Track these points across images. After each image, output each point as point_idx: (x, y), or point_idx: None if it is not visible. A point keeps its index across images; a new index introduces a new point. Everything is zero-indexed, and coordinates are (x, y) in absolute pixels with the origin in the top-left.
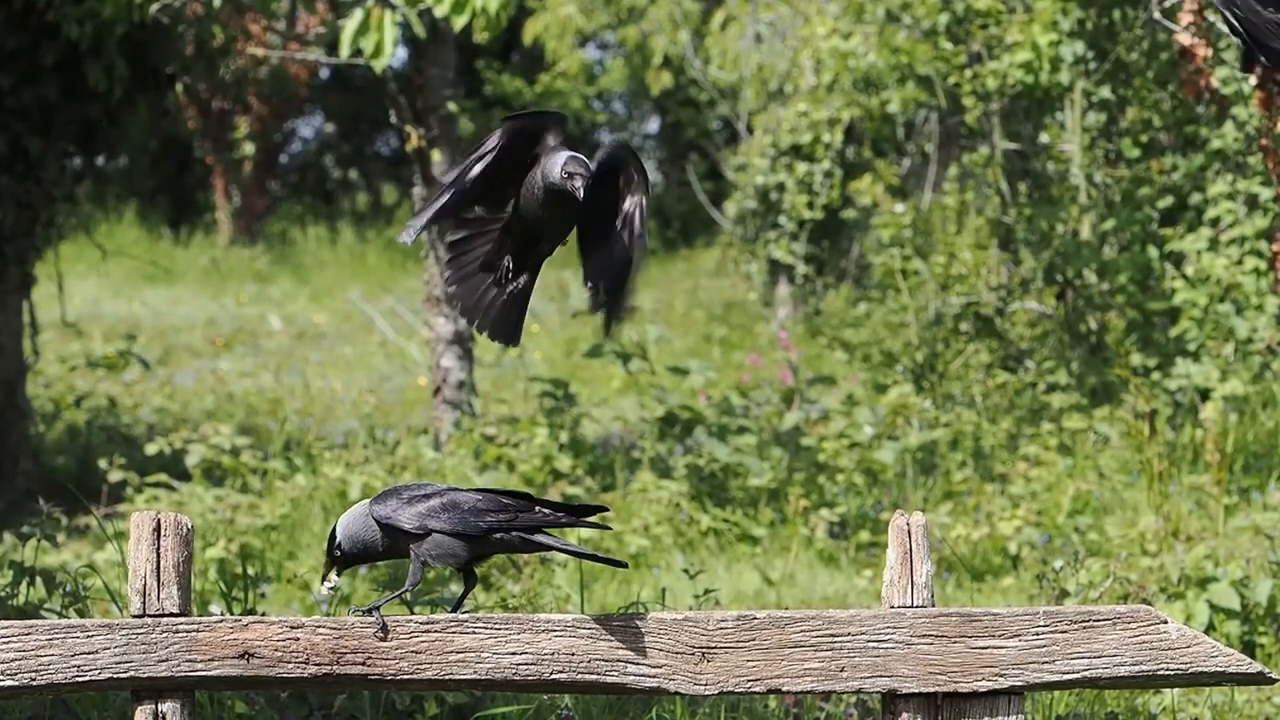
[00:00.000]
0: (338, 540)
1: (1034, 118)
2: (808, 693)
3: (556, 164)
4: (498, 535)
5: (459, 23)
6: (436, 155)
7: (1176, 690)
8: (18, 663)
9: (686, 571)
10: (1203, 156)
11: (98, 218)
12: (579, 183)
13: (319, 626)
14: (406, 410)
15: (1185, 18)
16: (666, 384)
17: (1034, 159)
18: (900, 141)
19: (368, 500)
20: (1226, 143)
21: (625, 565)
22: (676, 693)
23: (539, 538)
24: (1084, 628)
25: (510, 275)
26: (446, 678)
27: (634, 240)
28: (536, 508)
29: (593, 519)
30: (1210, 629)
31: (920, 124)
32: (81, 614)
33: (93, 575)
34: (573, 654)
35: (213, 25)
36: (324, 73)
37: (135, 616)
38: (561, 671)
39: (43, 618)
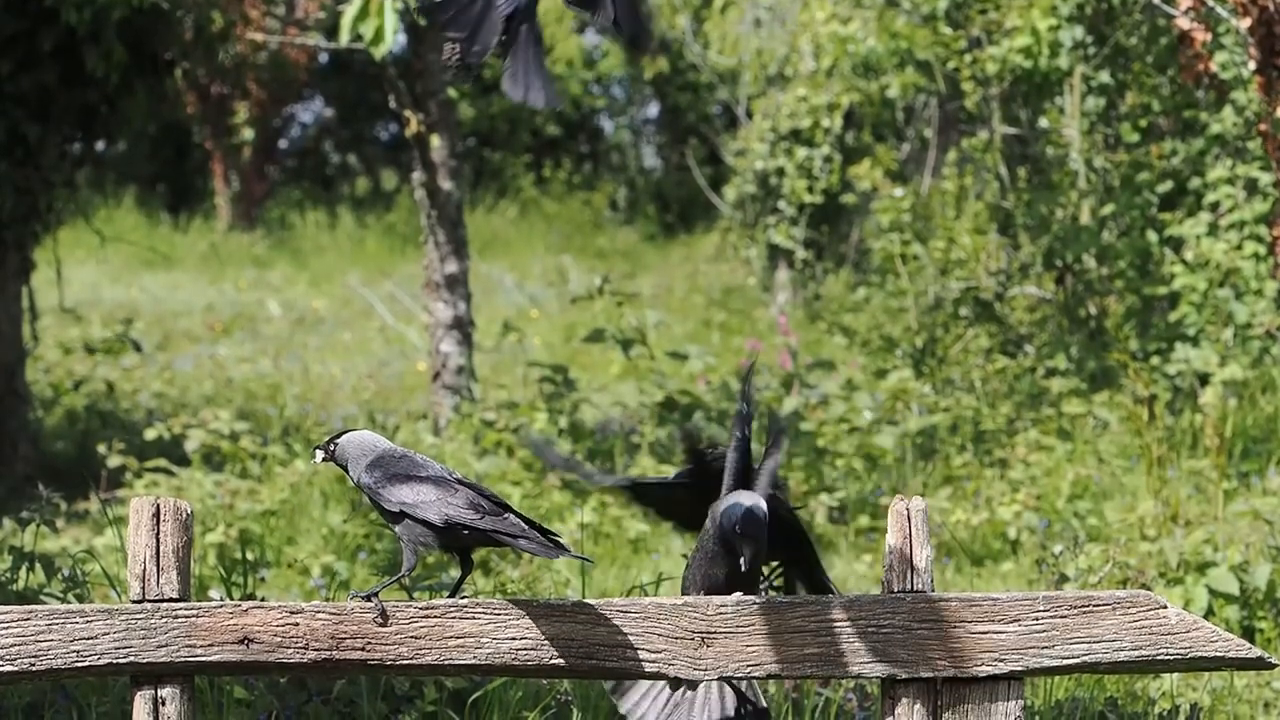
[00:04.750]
0: (339, 444)
1: (1033, 102)
2: (807, 677)
3: (735, 511)
4: (465, 531)
5: None
6: (435, 140)
7: (1176, 675)
8: (17, 648)
9: (685, 556)
10: (1202, 141)
11: (96, 203)
12: (748, 551)
13: (318, 612)
14: (406, 395)
15: (1184, 2)
16: (666, 369)
17: (1033, 144)
18: (899, 126)
19: (377, 439)
20: (1226, 127)
21: (592, 561)
22: (676, 678)
23: (501, 537)
24: (1083, 613)
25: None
26: (446, 663)
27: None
28: (507, 515)
29: (559, 541)
30: (1209, 614)
31: (919, 109)
32: (81, 599)
33: (92, 560)
34: (572, 639)
35: (211, 10)
36: (323, 58)
37: (135, 602)
38: (561, 657)
39: (42, 603)
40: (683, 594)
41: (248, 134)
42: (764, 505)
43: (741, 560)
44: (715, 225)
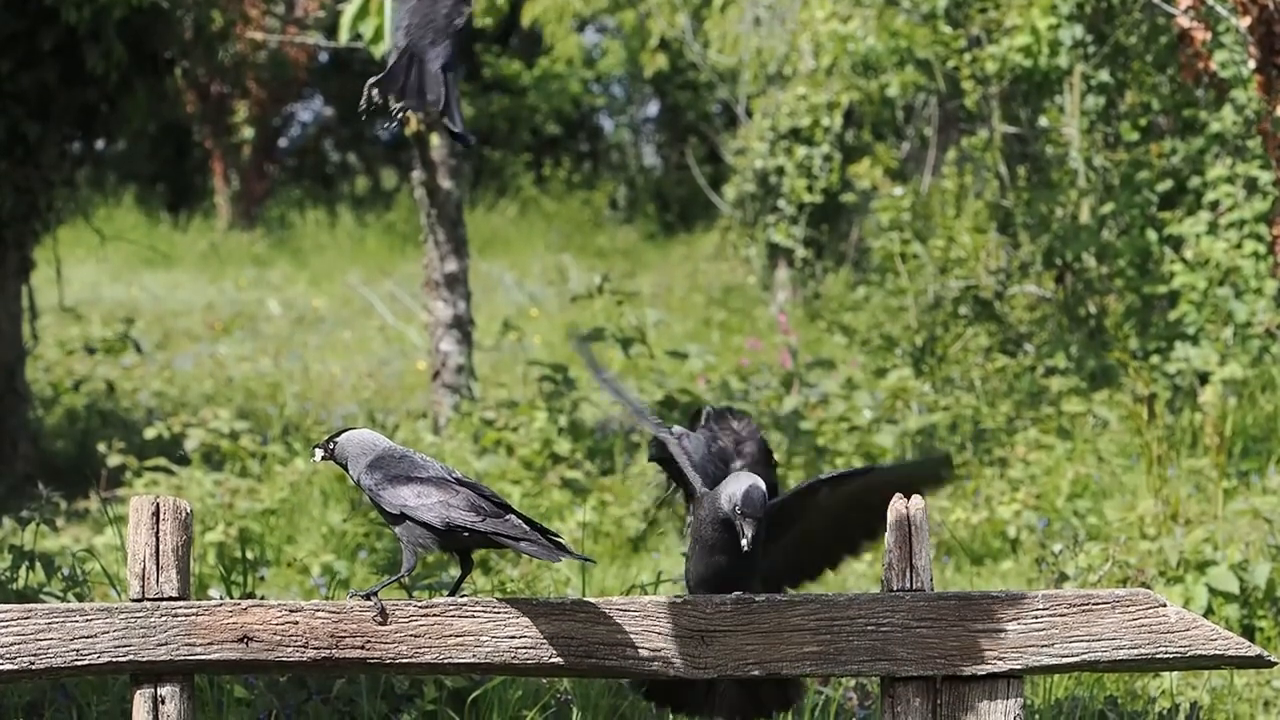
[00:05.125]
0: (338, 443)
1: (1033, 101)
2: (807, 675)
3: (734, 491)
4: (465, 533)
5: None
6: (435, 139)
7: (1175, 673)
8: (17, 646)
9: (685, 555)
10: (1202, 140)
11: (96, 202)
12: (749, 531)
13: (318, 610)
14: (405, 394)
15: (1184, 1)
16: (665, 368)
17: (1033, 142)
18: (899, 125)
19: (377, 438)
20: (1225, 126)
21: (593, 561)
22: (676, 676)
23: (502, 540)
24: (1083, 611)
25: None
26: (445, 661)
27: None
28: (508, 516)
29: (561, 542)
30: (1209, 612)
31: (919, 108)
32: (81, 598)
33: (92, 559)
34: (571, 638)
35: (211, 9)
36: (323, 57)
37: (134, 600)
38: (560, 655)
39: (42, 602)
40: (686, 586)
41: (247, 133)
42: (762, 485)
43: (743, 541)
44: (715, 224)
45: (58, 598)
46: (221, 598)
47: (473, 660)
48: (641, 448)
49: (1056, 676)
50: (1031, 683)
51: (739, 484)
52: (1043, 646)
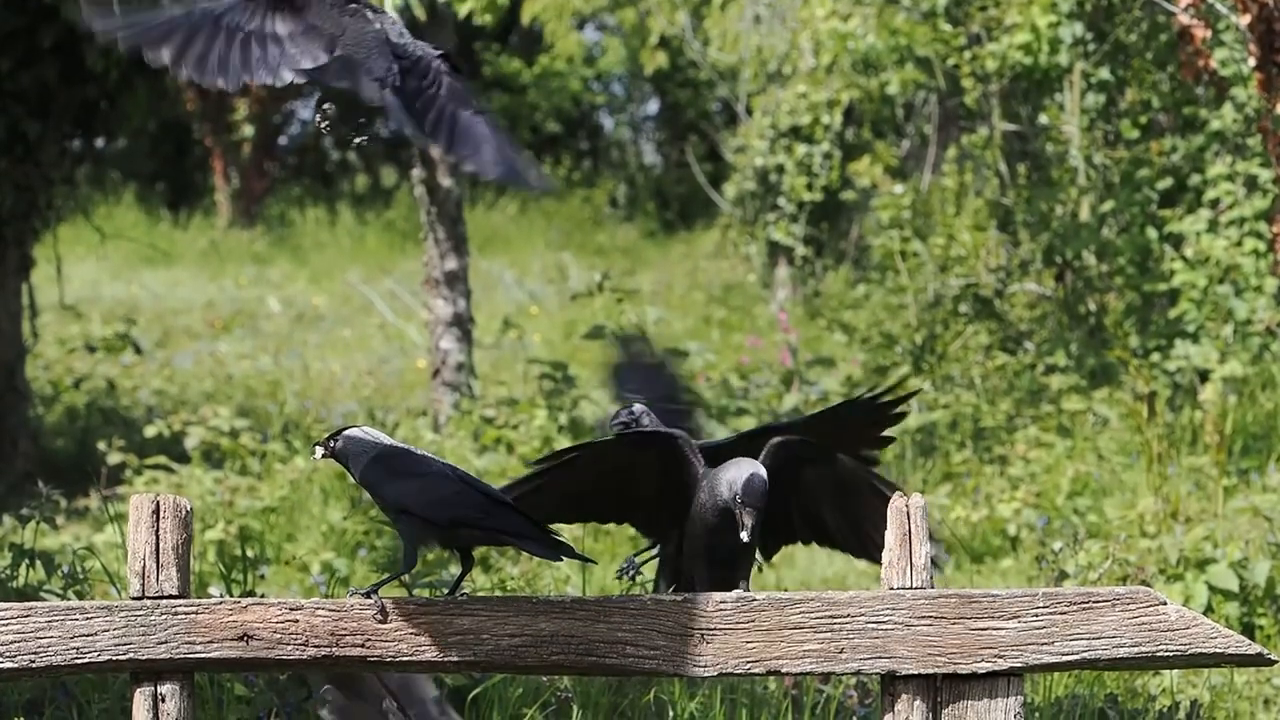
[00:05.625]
0: (339, 440)
1: (1033, 99)
2: (807, 674)
3: (734, 479)
4: (467, 529)
5: (463, 9)
6: None
7: (1175, 672)
8: (17, 645)
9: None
10: (1202, 138)
11: (96, 200)
12: (749, 520)
13: (318, 608)
14: (406, 392)
15: None
16: None
17: (1033, 140)
18: (899, 123)
19: (378, 436)
20: (1225, 124)
21: (594, 562)
22: (676, 674)
23: (504, 536)
24: (1083, 609)
25: None
26: (445, 659)
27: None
28: (509, 513)
29: (562, 541)
30: (1209, 610)
31: (919, 106)
32: (81, 596)
33: (92, 557)
34: (572, 636)
35: None
36: None
37: (134, 599)
38: (560, 653)
39: (42, 600)
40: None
41: (248, 131)
42: (763, 472)
43: (743, 533)
44: (715, 222)
45: (58, 596)
46: (221, 596)
47: (473, 658)
48: None
49: (1057, 674)
50: (1032, 681)
51: (740, 471)
52: (1043, 645)
